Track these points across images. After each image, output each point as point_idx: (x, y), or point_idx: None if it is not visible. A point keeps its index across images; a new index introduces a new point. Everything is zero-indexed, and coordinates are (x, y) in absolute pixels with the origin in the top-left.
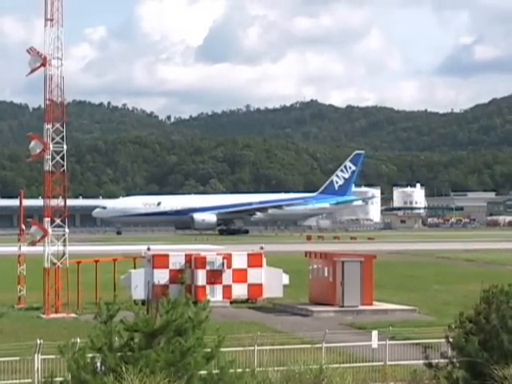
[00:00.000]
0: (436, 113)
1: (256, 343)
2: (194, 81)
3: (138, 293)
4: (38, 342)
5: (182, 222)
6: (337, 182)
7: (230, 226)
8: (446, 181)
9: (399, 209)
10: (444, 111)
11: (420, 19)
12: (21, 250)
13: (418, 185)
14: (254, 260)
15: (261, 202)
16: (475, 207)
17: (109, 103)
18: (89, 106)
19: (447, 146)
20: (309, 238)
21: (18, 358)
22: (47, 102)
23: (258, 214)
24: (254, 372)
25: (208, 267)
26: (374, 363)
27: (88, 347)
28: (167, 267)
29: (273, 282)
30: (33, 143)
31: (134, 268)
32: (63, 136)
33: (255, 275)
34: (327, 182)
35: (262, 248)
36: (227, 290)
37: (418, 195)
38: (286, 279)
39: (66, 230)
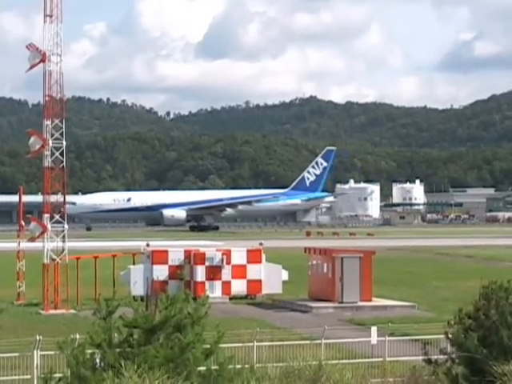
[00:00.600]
0: (435, 109)
1: (255, 339)
2: (193, 77)
3: (137, 289)
4: (37, 338)
5: (152, 218)
6: (308, 179)
7: (200, 222)
8: (446, 177)
9: (398, 205)
10: (443, 107)
11: (420, 15)
12: (20, 246)
13: (418, 181)
14: (254, 256)
15: (231, 198)
16: (474, 203)
17: (108, 99)
18: (88, 102)
19: (446, 142)
20: (308, 234)
21: (17, 354)
22: (46, 98)
23: (229, 210)
24: (253, 368)
25: (207, 263)
26: (373, 359)
27: (87, 343)
28: (166, 263)
29: (272, 278)
30: (32, 139)
31: (133, 264)
32: (62, 132)
33: (254, 271)
34: (298, 178)
35: (261, 244)
36: (226, 286)
37: (417, 191)
38: (285, 275)
39: (66, 226)
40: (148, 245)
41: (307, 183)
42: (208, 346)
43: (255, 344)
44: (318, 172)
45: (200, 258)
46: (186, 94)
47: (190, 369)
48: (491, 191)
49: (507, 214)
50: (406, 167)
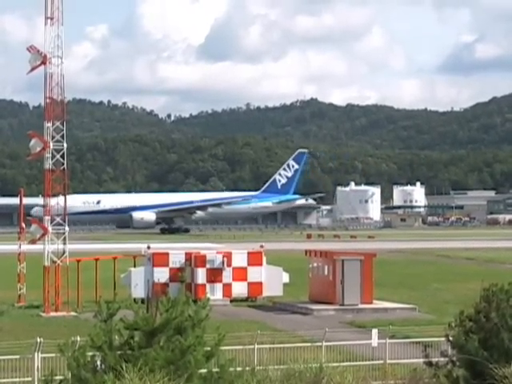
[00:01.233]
0: (436, 111)
1: (256, 342)
2: (195, 79)
3: (138, 291)
4: (38, 340)
5: (122, 220)
6: (280, 181)
7: (171, 224)
8: (446, 179)
9: (399, 207)
10: (444, 110)
11: (421, 17)
12: (21, 249)
13: (418, 183)
14: (254, 258)
15: (202, 201)
16: (475, 206)
17: (109, 101)
18: (89, 104)
19: (447, 145)
20: (309, 236)
21: (17, 357)
22: (47, 100)
23: (199, 213)
24: (253, 370)
25: (208, 265)
26: (374, 362)
27: (88, 346)
28: (167, 265)
29: (273, 280)
30: (33, 141)
31: (134, 266)
32: (63, 134)
33: (255, 274)
34: (270, 181)
35: (262, 246)
36: (227, 288)
37: (418, 194)
38: (286, 278)
39: (66, 228)
40: (149, 247)
41: (279, 186)
42: (209, 349)
43: (256, 346)
44: (289, 174)
45: (201, 260)
46: (187, 97)
47: (190, 371)
48: (492, 194)
49: (508, 217)
50: (407, 169)
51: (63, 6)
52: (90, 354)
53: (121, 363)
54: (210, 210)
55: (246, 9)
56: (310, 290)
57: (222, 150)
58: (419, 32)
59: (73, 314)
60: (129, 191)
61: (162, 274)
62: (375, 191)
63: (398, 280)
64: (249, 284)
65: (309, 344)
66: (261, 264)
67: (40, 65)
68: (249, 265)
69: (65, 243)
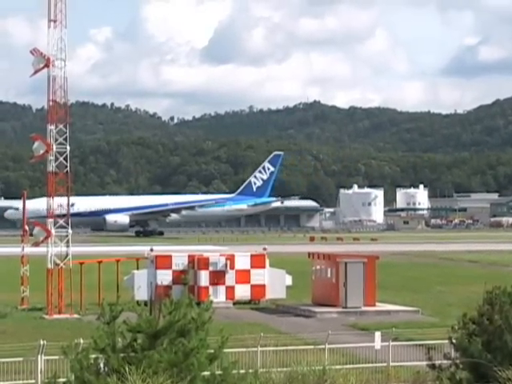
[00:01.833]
0: (439, 114)
1: (259, 344)
2: (198, 82)
3: (141, 293)
4: (41, 342)
5: (96, 223)
6: (255, 184)
7: (145, 227)
8: (449, 182)
9: (402, 210)
10: (447, 112)
11: (424, 20)
12: (24, 251)
13: (421, 186)
14: (257, 261)
15: (176, 204)
16: (478, 208)
17: (112, 104)
18: (92, 106)
19: (450, 147)
20: (312, 239)
21: (21, 359)
22: (50, 102)
23: (173, 216)
24: (257, 373)
25: (211, 268)
26: (377, 364)
27: (91, 348)
28: (170, 268)
29: (276, 282)
30: (36, 144)
31: (137, 269)
32: (66, 137)
33: (258, 276)
34: (245, 183)
35: (265, 249)
36: (230, 290)
37: (421, 196)
38: (289, 280)
39: (70, 230)
40: (152, 250)
41: (254, 188)
42: (212, 351)
43: (259, 349)
44: (264, 177)
45: (204, 262)
46: (190, 99)
47: (194, 374)
48: (495, 196)
49: (511, 219)
50: (410, 172)
51: (66, 9)
52: (93, 356)
53: (124, 365)
54: (184, 212)
55: (249, 11)
56: (313, 292)
57: (224, 153)
58: (422, 34)
59: (76, 316)
60: (131, 193)
61: (164, 277)
62: (378, 194)
63: (401, 282)
64: (252, 286)
65: (312, 346)
66: (264, 266)
67: (43, 67)
68: (252, 267)
69: (68, 246)
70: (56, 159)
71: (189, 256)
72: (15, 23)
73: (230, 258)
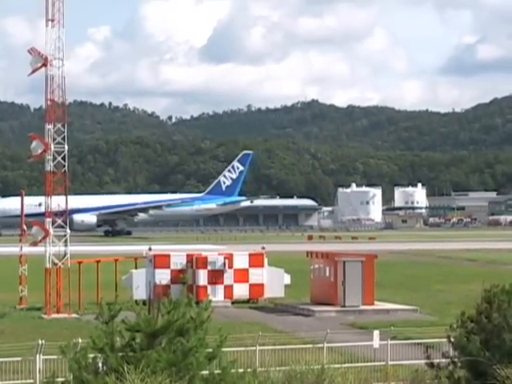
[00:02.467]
0: (437, 112)
1: (257, 343)
2: (197, 81)
3: (140, 293)
4: (40, 342)
5: (64, 223)
6: (224, 183)
7: (114, 227)
8: (448, 180)
9: (400, 208)
10: (445, 111)
11: (423, 19)
12: (22, 251)
13: (420, 184)
14: (256, 260)
15: (144, 203)
16: (476, 207)
17: (110, 103)
18: (90, 106)
19: (448, 146)
20: (310, 237)
21: (19, 359)
22: (48, 102)
23: (141, 215)
24: (255, 372)
25: (209, 267)
26: (376, 363)
27: (90, 347)
28: (168, 267)
29: (274, 282)
30: (34, 143)
31: (136, 268)
32: (64, 136)
33: (257, 275)
34: (214, 183)
35: (263, 248)
36: (229, 290)
37: (419, 195)
38: (287, 279)
39: (68, 230)
40: (150, 249)
41: (223, 187)
42: (211, 350)
43: (258, 348)
44: (234, 176)
45: (202, 262)
46: (189, 99)
47: (192, 373)
48: (493, 195)
49: (509, 218)
50: (408, 171)
51: (64, 8)
52: (92, 355)
53: (122, 365)
54: (152, 212)
55: (248, 11)
56: (311, 291)
57: (223, 152)
58: (421, 33)
59: (74, 315)
60: (129, 193)
61: (163, 276)
62: (376, 192)
63: (399, 281)
64: (250, 286)
65: (310, 345)
66: (262, 265)
67: (41, 67)
68: (250, 266)
69: (66, 245)
70: (54, 159)
71: (187, 255)
72: (13, 22)
73: (229, 257)
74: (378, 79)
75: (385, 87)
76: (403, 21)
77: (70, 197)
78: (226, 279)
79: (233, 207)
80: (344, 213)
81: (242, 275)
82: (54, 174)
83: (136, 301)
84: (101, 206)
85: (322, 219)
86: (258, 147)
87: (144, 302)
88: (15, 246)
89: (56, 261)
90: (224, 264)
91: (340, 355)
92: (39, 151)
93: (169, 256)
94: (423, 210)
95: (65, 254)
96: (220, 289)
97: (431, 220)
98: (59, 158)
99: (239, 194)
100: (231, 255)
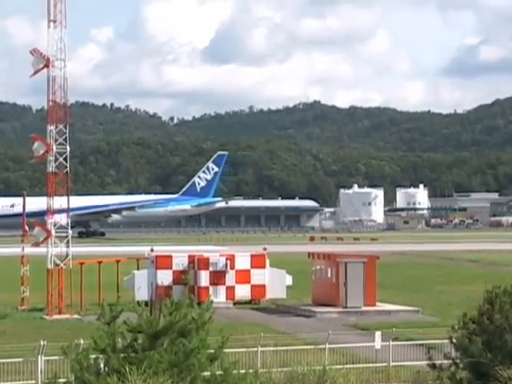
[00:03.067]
0: (439, 113)
1: (259, 344)
2: (199, 82)
3: (142, 294)
4: (42, 343)
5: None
6: (199, 184)
7: (87, 228)
8: (450, 181)
9: (402, 209)
10: (447, 112)
11: (426, 20)
12: (24, 251)
13: (421, 185)
14: (257, 261)
15: (119, 204)
16: (478, 208)
17: (112, 104)
18: (92, 107)
19: (451, 147)
20: (312, 238)
21: (21, 360)
22: (50, 103)
23: (115, 216)
24: (257, 373)
25: (211, 268)
26: (378, 364)
27: (91, 348)
28: (170, 268)
29: (276, 282)
30: (36, 144)
31: (138, 269)
32: (66, 137)
33: (258, 276)
34: (189, 184)
35: (265, 249)
36: (230, 291)
37: (421, 196)
38: (289, 280)
39: (70, 231)
40: (152, 250)
41: (198, 189)
42: (212, 351)
43: (259, 349)
44: (208, 177)
45: (204, 263)
46: (191, 99)
47: (194, 374)
48: (495, 196)
49: (511, 219)
50: (410, 172)
51: (67, 9)
52: (94, 356)
53: (124, 366)
54: (125, 213)
55: (250, 12)
56: (313, 292)
57: None
58: (423, 35)
59: (76, 316)
60: (130, 193)
61: (165, 277)
62: (378, 193)
63: (401, 282)
64: (252, 286)
65: (312, 346)
66: (264, 266)
67: (43, 68)
68: (252, 267)
69: (68, 246)
70: (56, 159)
71: (189, 256)
72: (15, 23)
73: (230, 258)
74: (380, 80)
75: (387, 88)
76: (405, 22)
77: (42, 198)
78: (228, 280)
79: (207, 208)
80: (346, 214)
81: (243, 276)
82: (55, 175)
83: (138, 302)
84: (74, 207)
85: (324, 220)
86: (259, 148)
87: (146, 303)
88: (17, 246)
89: (58, 262)
90: (226, 265)
91: (342, 356)
92: (41, 152)
93: (171, 257)
94: (425, 211)
95: (67, 255)
96: (222, 290)
97: (433, 221)
98: (61, 159)
99: (215, 195)
100: (233, 256)
